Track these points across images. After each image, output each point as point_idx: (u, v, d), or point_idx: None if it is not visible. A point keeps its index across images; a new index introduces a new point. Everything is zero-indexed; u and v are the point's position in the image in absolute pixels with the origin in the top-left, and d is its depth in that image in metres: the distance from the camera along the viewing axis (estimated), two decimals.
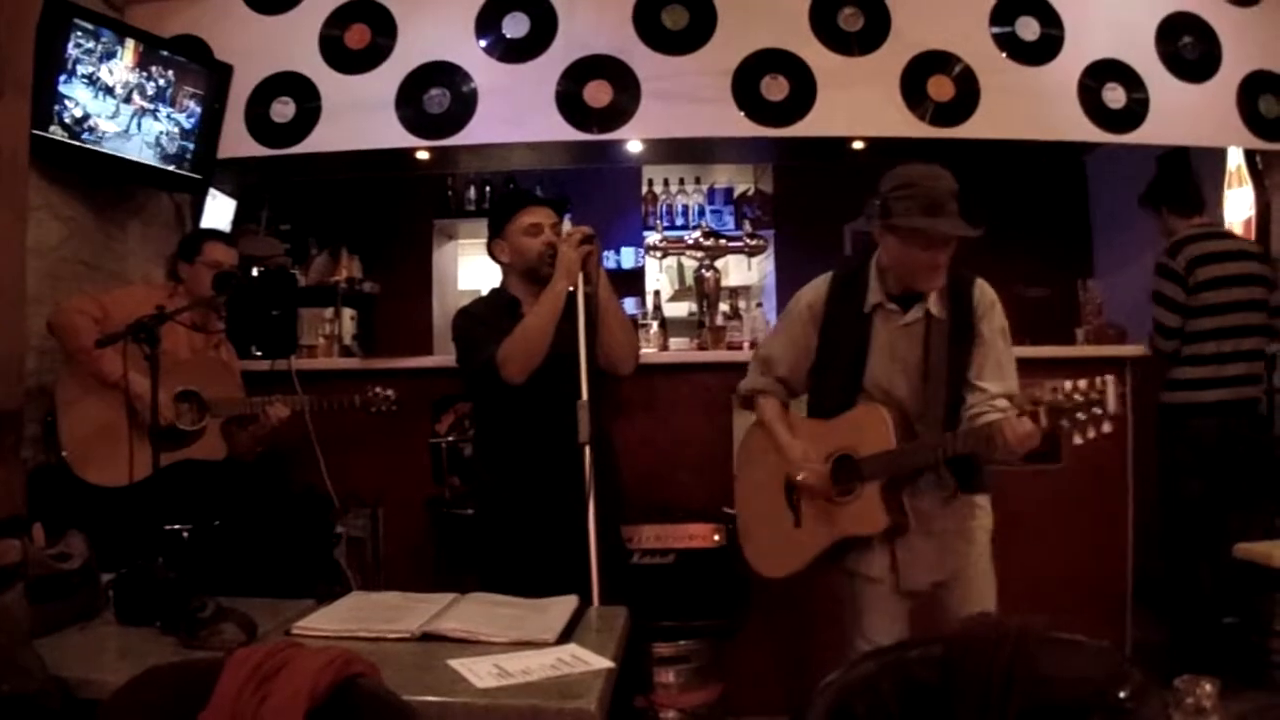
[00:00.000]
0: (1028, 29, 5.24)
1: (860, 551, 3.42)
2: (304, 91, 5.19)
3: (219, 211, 6.24)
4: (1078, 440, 2.86)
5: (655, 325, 5.36)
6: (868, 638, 3.36)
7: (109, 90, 4.47)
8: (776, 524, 3.61)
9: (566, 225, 3.82)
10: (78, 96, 4.33)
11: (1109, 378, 2.82)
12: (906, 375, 3.36)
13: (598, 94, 5.16)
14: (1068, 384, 2.88)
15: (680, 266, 8.05)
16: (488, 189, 8.24)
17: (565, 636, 2.44)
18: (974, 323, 3.34)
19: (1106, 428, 2.83)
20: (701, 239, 5.44)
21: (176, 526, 3.83)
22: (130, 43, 4.55)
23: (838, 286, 3.50)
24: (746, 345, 5.23)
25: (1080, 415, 2.84)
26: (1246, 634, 4.81)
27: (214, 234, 4.67)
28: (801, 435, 3.53)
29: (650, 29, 5.20)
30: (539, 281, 3.67)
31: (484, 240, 4.03)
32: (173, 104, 4.78)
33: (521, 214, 3.84)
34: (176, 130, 4.81)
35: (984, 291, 3.41)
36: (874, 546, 3.39)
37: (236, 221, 6.50)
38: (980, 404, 3.26)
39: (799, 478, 3.43)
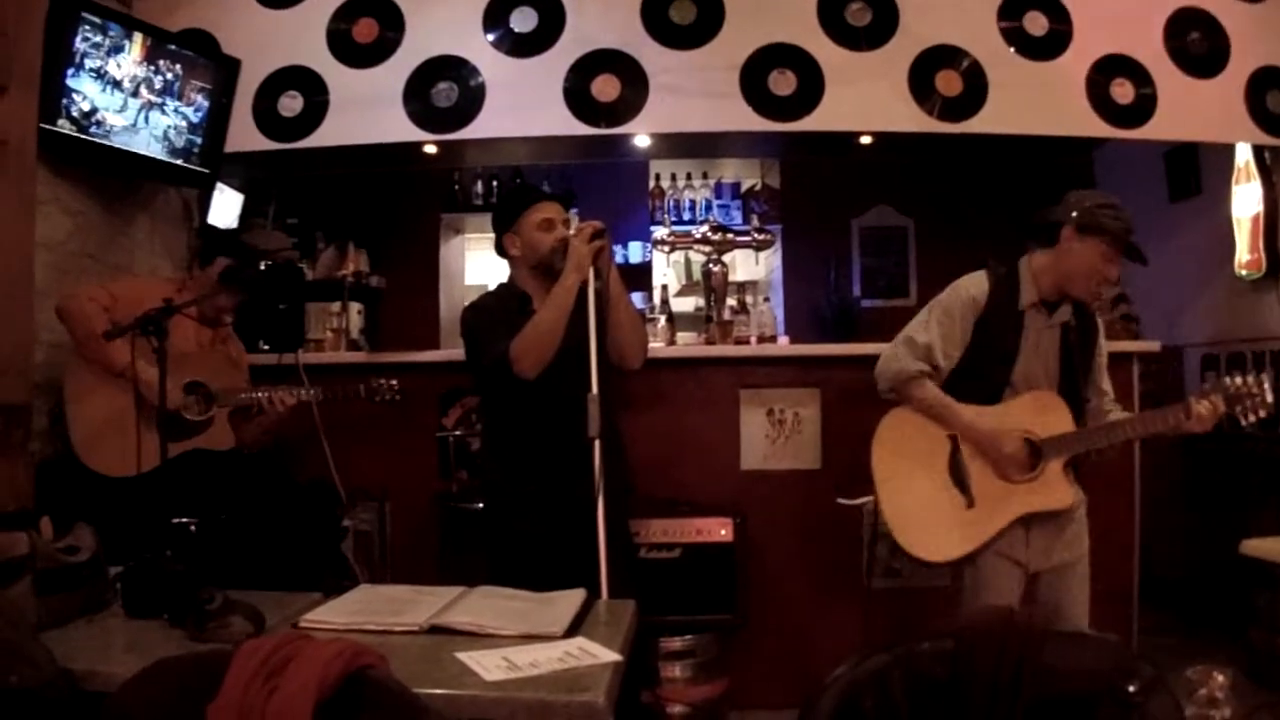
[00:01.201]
0: (1036, 24, 5.23)
1: (1007, 537, 3.62)
2: (311, 85, 5.19)
3: (226, 205, 6.24)
4: (1244, 422, 3.45)
5: (663, 320, 5.37)
6: None
7: (117, 84, 4.47)
8: (943, 508, 3.69)
9: (575, 220, 3.83)
10: (85, 90, 4.33)
11: (1264, 375, 3.43)
12: (1047, 371, 3.69)
13: (605, 88, 5.16)
14: (1232, 379, 3.45)
15: (688, 261, 8.05)
16: (495, 183, 8.23)
17: (573, 630, 2.43)
18: (1095, 335, 3.80)
19: (1263, 413, 3.42)
20: (709, 233, 5.44)
21: (184, 520, 3.84)
22: (138, 36, 4.55)
23: (997, 283, 3.73)
24: (754, 340, 5.24)
25: (1248, 401, 3.42)
26: (1254, 631, 4.81)
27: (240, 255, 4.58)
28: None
29: (658, 23, 5.19)
30: (550, 275, 3.66)
31: (491, 234, 4.03)
32: (180, 98, 4.77)
33: (534, 209, 3.84)
34: (184, 124, 4.81)
35: (1098, 318, 3.88)
36: (1016, 531, 3.62)
37: (244, 215, 6.49)
38: (1105, 402, 3.80)
39: (1006, 450, 3.61)
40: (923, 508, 3.72)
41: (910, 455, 3.75)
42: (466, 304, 3.98)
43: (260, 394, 4.27)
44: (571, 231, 3.65)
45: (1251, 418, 3.43)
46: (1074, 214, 3.62)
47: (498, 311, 3.79)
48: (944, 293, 3.82)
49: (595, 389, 3.29)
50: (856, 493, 3.96)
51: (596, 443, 3.25)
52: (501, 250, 3.94)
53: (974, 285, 3.75)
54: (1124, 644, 1.94)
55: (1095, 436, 3.60)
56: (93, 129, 4.39)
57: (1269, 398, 3.40)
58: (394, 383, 4.41)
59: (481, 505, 4.23)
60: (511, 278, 3.94)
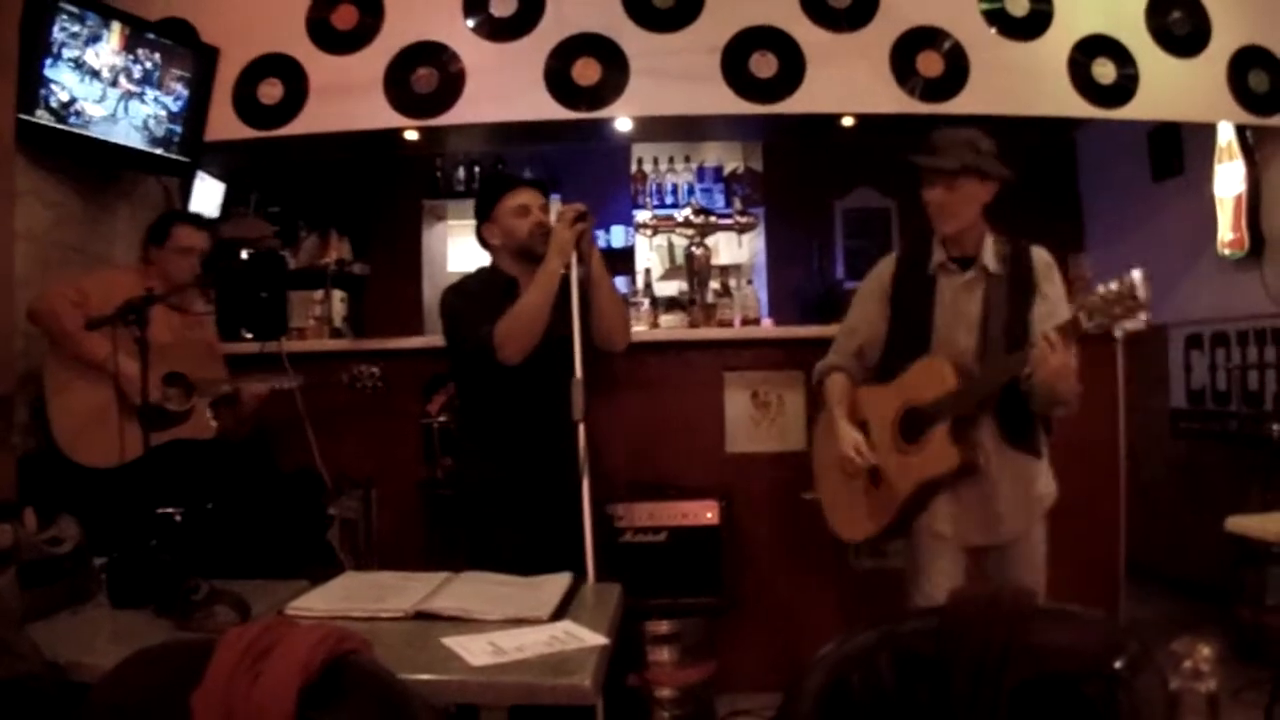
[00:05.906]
0: (1017, 4, 5.20)
1: (930, 509, 3.58)
2: (291, 73, 5.14)
3: (208, 194, 6.22)
4: (1118, 334, 3.33)
5: (646, 303, 5.36)
6: (927, 595, 3.50)
7: (95, 74, 4.43)
8: (855, 490, 3.73)
9: (555, 205, 3.83)
10: (64, 80, 4.30)
11: (1135, 273, 3.02)
12: (968, 329, 3.54)
13: (586, 72, 5.13)
14: (1100, 287, 3.10)
15: (670, 245, 8.06)
16: (476, 169, 8.22)
17: (559, 614, 2.44)
18: (1034, 281, 3.55)
19: (1143, 316, 3.16)
20: (691, 217, 5.46)
21: (169, 510, 3.82)
22: (116, 26, 4.51)
23: (904, 257, 3.77)
24: (737, 322, 5.24)
25: (1117, 309, 3.06)
26: (1241, 608, 4.84)
27: (183, 216, 4.60)
28: (867, 401, 3.73)
29: (639, 6, 5.16)
30: (533, 260, 3.65)
31: (473, 221, 4.02)
32: (160, 87, 4.75)
33: (508, 196, 3.84)
34: (164, 113, 4.78)
35: (1040, 255, 3.62)
36: (941, 503, 3.56)
37: (226, 204, 6.48)
38: None
39: (852, 454, 3.60)
40: (841, 493, 3.82)
41: (833, 446, 3.79)
42: (448, 286, 3.96)
43: (236, 384, 4.26)
44: (553, 217, 3.65)
45: (1129, 325, 3.35)
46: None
47: (482, 295, 3.77)
48: None
49: (579, 373, 3.29)
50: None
51: (581, 426, 3.26)
52: (484, 242, 3.94)
53: (883, 263, 3.83)
54: (1111, 620, 1.94)
55: (962, 395, 3.41)
56: (71, 119, 4.35)
57: (1142, 295, 3.02)
58: (375, 369, 4.38)
59: (457, 490, 4.22)
60: (495, 264, 3.93)
